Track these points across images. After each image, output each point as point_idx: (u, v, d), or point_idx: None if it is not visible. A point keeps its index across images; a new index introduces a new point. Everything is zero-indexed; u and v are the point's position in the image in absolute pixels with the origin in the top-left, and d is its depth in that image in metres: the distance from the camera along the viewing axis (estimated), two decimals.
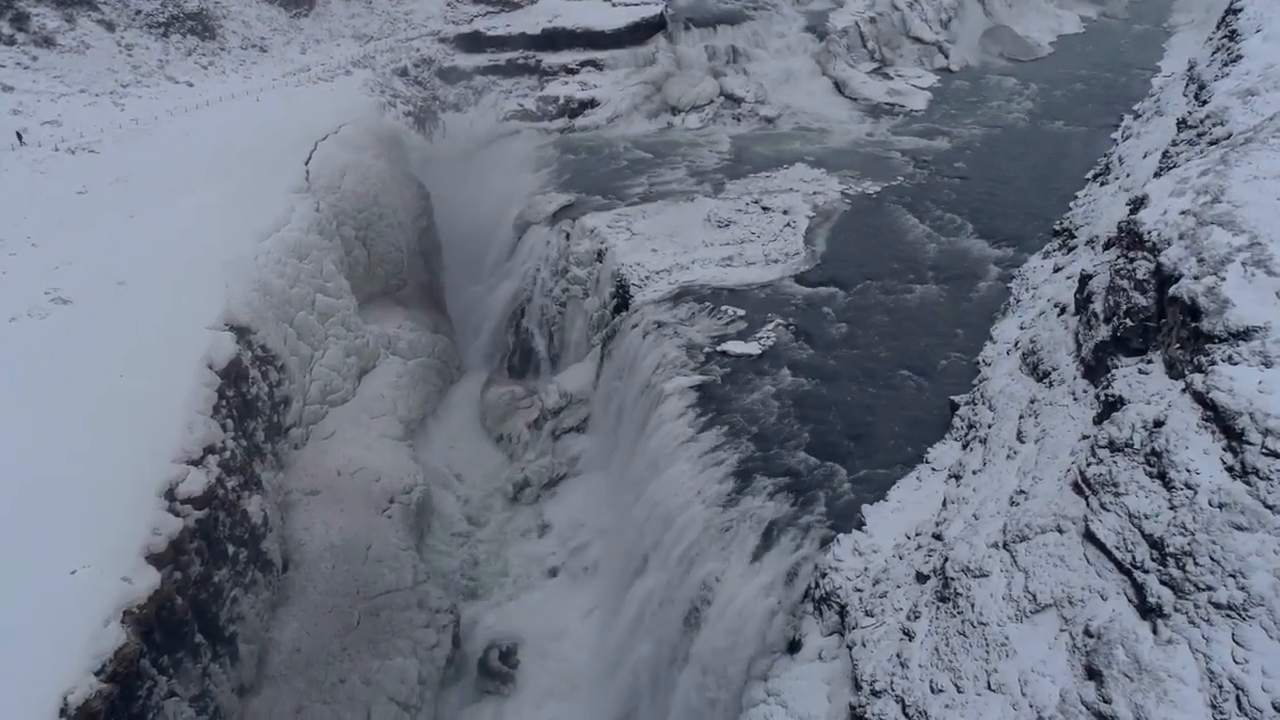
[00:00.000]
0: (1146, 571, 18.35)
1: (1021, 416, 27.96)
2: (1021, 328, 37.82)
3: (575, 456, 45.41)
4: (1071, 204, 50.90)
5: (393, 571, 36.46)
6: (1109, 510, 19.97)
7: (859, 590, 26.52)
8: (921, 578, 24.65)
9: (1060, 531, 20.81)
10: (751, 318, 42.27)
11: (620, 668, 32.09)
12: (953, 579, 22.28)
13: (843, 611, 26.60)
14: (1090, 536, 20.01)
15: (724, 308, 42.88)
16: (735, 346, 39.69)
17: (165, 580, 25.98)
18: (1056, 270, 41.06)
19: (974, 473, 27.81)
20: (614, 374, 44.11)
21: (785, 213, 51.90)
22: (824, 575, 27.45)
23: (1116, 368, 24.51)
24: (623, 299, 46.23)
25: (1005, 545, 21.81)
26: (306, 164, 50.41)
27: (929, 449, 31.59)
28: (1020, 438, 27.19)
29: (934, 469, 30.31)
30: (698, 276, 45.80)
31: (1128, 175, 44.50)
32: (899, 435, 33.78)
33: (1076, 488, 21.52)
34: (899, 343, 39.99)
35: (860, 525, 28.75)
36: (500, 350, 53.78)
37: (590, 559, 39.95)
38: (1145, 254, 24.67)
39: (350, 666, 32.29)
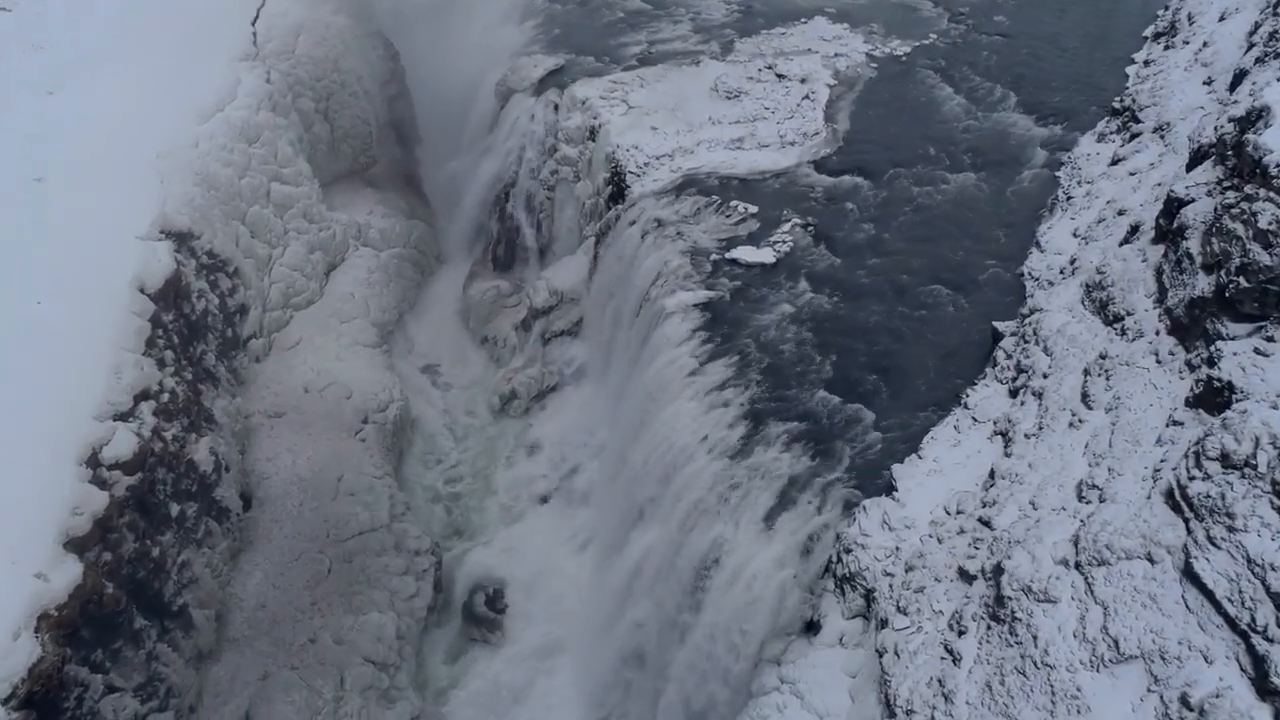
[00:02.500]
0: (1271, 640, 14.69)
1: (1087, 372, 23.71)
2: (1075, 235, 32.97)
3: (567, 365, 41.49)
4: (1129, 71, 44.82)
5: (367, 508, 33.20)
6: (1219, 547, 16.14)
7: (889, 575, 23.12)
8: (967, 576, 21.17)
9: (1151, 561, 17.07)
10: (765, 215, 37.20)
11: (616, 625, 29.36)
12: (1009, 598, 18.76)
13: (869, 596, 23.31)
14: (1192, 576, 16.27)
15: (733, 203, 37.72)
16: (746, 253, 34.89)
17: (90, 568, 22.52)
18: (1116, 162, 35.65)
19: (1027, 436, 23.85)
20: (609, 275, 39.49)
21: (803, 81, 45.58)
22: (848, 551, 24.00)
23: (1221, 337, 20.08)
24: (618, 187, 40.93)
25: (1078, 565, 18.14)
26: (253, 24, 43.72)
27: (968, 390, 27.51)
28: (1086, 401, 23.05)
29: (975, 419, 26.31)
30: (703, 163, 40.30)
31: (1204, 45, 38.18)
32: (933, 369, 29.69)
33: (1172, 502, 17.67)
34: (932, 248, 35.19)
35: (890, 489, 25.08)
36: (483, 237, 48.74)
37: (584, 484, 36.73)
38: (1271, 194, 19.76)
39: (321, 624, 29.50)
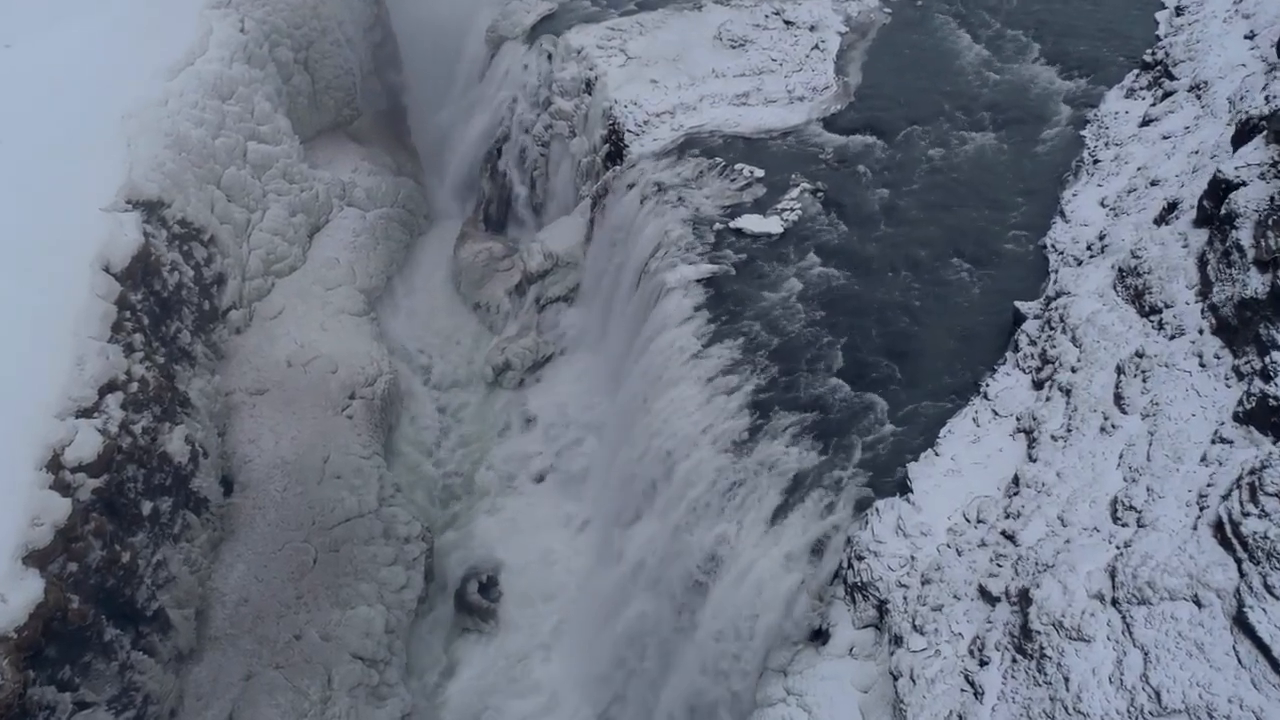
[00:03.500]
0: None
1: (1120, 370, 21.98)
2: (1103, 204, 30.96)
3: (563, 333, 39.71)
4: (1159, 19, 42.09)
5: (354, 492, 31.80)
6: (1277, 597, 14.70)
7: (904, 586, 21.73)
8: (989, 597, 19.77)
9: (1198, 605, 15.62)
10: (771, 180, 35.04)
11: (615, 621, 28.15)
12: (1038, 632, 17.37)
13: (882, 608, 21.97)
14: (1245, 626, 14.81)
15: (738, 165, 35.53)
16: (752, 222, 32.86)
17: (53, 583, 21.13)
18: (1147, 123, 33.46)
19: (1054, 439, 22.20)
20: (606, 242, 37.50)
21: (812, 28, 42.83)
22: (860, 558, 22.60)
23: (1276, 346, 18.35)
24: (616, 146, 38.66)
25: (1115, 602, 16.70)
26: None
27: (988, 376, 25.85)
28: (1120, 404, 21.36)
29: (996, 412, 24.64)
30: (707, 120, 37.93)
31: None
32: (950, 353, 27.96)
33: (1221, 538, 16.15)
34: (949, 216, 33.15)
35: (905, 489, 23.58)
36: (475, 195, 46.48)
37: (581, 463, 35.24)
38: None
39: (307, 619, 28.32)
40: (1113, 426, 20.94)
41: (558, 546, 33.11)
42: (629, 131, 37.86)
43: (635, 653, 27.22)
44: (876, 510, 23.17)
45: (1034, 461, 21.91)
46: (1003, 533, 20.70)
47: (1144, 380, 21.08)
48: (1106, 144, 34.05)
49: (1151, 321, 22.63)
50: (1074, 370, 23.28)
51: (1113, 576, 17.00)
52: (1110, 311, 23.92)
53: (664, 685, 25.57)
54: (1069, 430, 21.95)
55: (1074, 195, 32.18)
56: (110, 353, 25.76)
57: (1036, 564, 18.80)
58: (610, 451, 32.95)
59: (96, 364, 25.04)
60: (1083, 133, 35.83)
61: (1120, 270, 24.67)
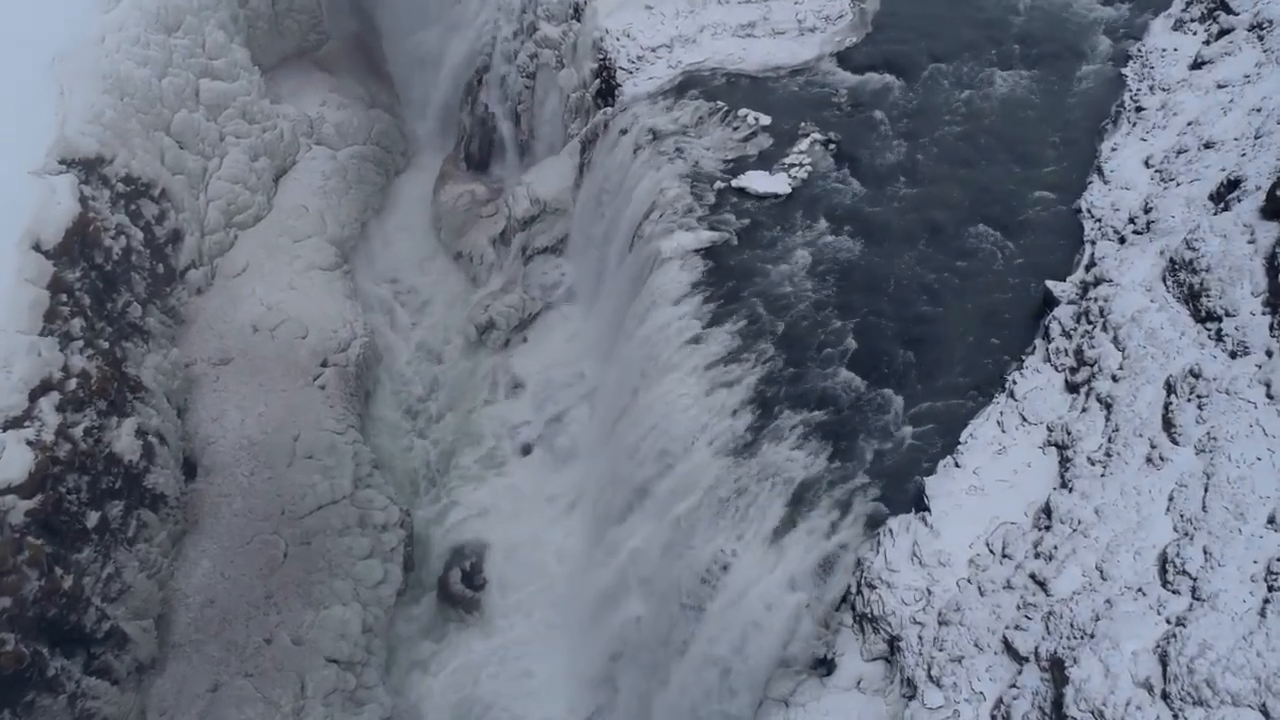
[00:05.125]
0: None
1: (1171, 388, 19.48)
2: (1148, 165, 27.85)
3: (551, 287, 36.97)
4: None
5: (326, 475, 29.75)
6: None
7: (919, 623, 19.79)
8: (1015, 654, 17.85)
9: (1267, 718, 13.66)
10: (779, 128, 31.70)
11: (604, 623, 26.46)
12: (1074, 719, 15.48)
13: (894, 643, 20.14)
14: None
15: (742, 111, 32.11)
16: (757, 181, 29.77)
17: None
18: (1199, 66, 30.06)
19: (1091, 461, 19.88)
20: (597, 191, 34.42)
21: None
22: (871, 587, 20.63)
23: None
24: (608, 84, 35.06)
25: (1165, 696, 14.72)
26: None
27: (1015, 370, 23.42)
28: (1171, 431, 18.90)
29: (1024, 418, 22.23)
30: (708, 55, 34.24)
31: None
32: (973, 339, 25.44)
33: None
34: (974, 173, 30.07)
35: (921, 506, 21.44)
36: (455, 130, 42.82)
37: (571, 435, 33.10)
38: None
39: (278, 620, 26.63)
40: (1161, 458, 18.58)
41: (546, 529, 31.27)
42: (621, 69, 34.22)
43: (626, 662, 25.64)
44: (890, 531, 21.09)
45: (1069, 490, 19.62)
46: (1031, 575, 18.60)
47: (1199, 406, 18.62)
48: (1151, 88, 30.62)
49: (1208, 330, 20.02)
50: (1115, 379, 20.81)
51: (1164, 664, 14.94)
52: (1160, 311, 21.25)
53: (656, 705, 24.02)
54: (1109, 455, 19.60)
55: (1114, 150, 29.01)
56: (43, 347, 23.21)
57: (1072, 626, 16.77)
58: (602, 425, 30.72)
59: (26, 363, 22.52)
60: (1124, 71, 32.24)
61: (1172, 261, 21.85)
